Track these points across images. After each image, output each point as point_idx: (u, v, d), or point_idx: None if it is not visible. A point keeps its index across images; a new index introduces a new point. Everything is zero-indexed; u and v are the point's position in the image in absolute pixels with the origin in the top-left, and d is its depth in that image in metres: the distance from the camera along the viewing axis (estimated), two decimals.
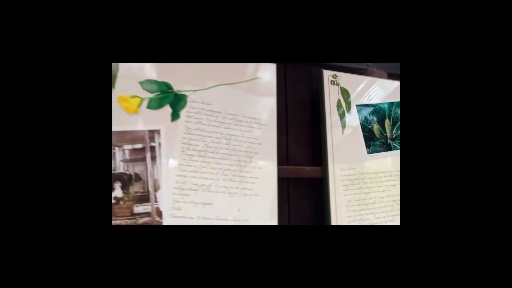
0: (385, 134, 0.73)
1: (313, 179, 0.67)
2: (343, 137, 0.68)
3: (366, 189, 0.67)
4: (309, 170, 0.67)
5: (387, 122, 0.74)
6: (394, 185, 0.70)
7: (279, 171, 0.63)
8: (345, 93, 0.72)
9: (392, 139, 0.73)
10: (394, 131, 0.74)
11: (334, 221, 0.62)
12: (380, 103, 0.74)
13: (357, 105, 0.72)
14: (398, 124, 0.75)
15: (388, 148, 0.72)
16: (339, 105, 0.70)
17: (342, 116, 0.70)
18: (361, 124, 0.71)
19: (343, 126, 0.69)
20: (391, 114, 0.75)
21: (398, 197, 0.69)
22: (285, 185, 0.67)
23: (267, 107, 0.64)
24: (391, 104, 0.75)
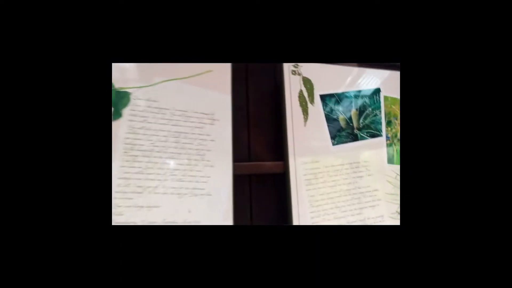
0: (351, 124, 0.70)
1: (276, 175, 0.64)
2: (305, 129, 0.65)
3: (331, 182, 0.64)
4: (270, 166, 0.63)
5: (354, 112, 0.71)
6: (361, 176, 0.66)
7: (237, 168, 0.59)
8: (307, 83, 0.68)
9: (359, 129, 0.70)
10: (361, 121, 0.71)
11: (296, 218, 0.59)
12: (346, 92, 0.71)
13: (321, 95, 0.69)
14: (365, 113, 0.72)
15: (355, 138, 0.69)
16: (300, 96, 0.67)
17: (304, 107, 0.66)
18: (326, 115, 0.68)
19: (306, 118, 0.66)
20: (358, 103, 0.71)
21: (366, 189, 0.66)
22: (246, 182, 0.64)
23: (221, 101, 0.60)
24: (358, 92, 0.72)
